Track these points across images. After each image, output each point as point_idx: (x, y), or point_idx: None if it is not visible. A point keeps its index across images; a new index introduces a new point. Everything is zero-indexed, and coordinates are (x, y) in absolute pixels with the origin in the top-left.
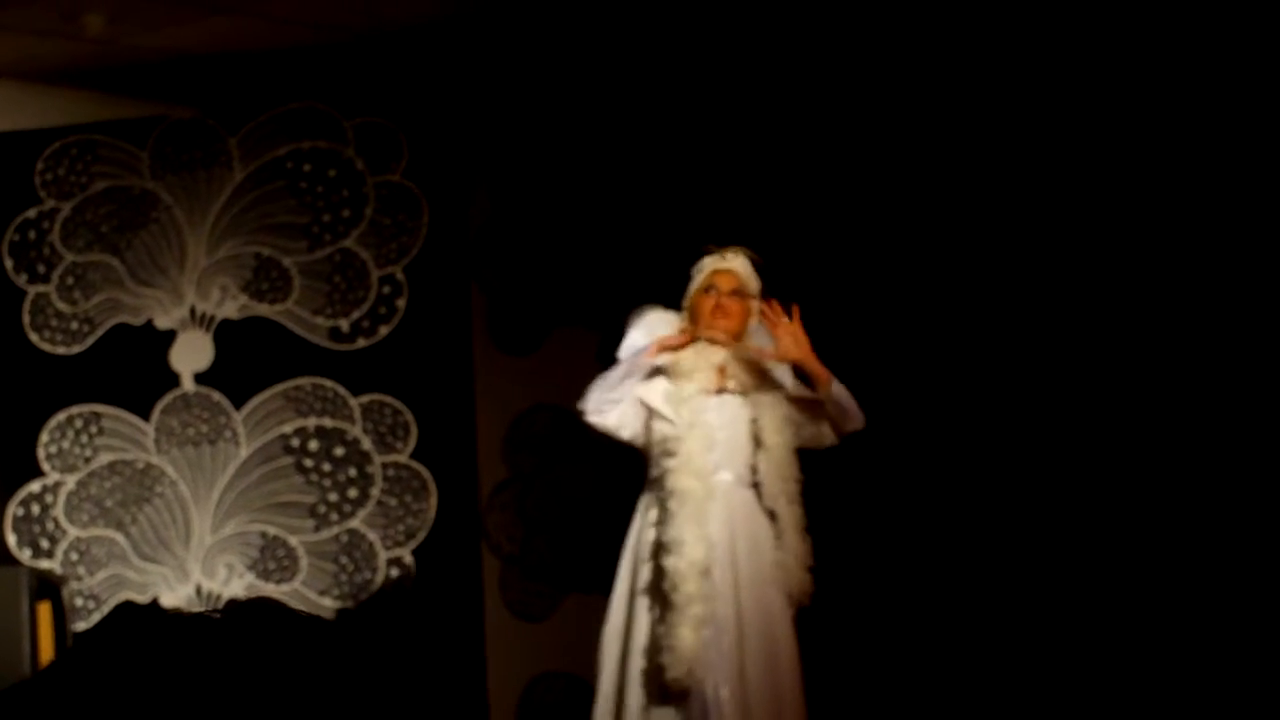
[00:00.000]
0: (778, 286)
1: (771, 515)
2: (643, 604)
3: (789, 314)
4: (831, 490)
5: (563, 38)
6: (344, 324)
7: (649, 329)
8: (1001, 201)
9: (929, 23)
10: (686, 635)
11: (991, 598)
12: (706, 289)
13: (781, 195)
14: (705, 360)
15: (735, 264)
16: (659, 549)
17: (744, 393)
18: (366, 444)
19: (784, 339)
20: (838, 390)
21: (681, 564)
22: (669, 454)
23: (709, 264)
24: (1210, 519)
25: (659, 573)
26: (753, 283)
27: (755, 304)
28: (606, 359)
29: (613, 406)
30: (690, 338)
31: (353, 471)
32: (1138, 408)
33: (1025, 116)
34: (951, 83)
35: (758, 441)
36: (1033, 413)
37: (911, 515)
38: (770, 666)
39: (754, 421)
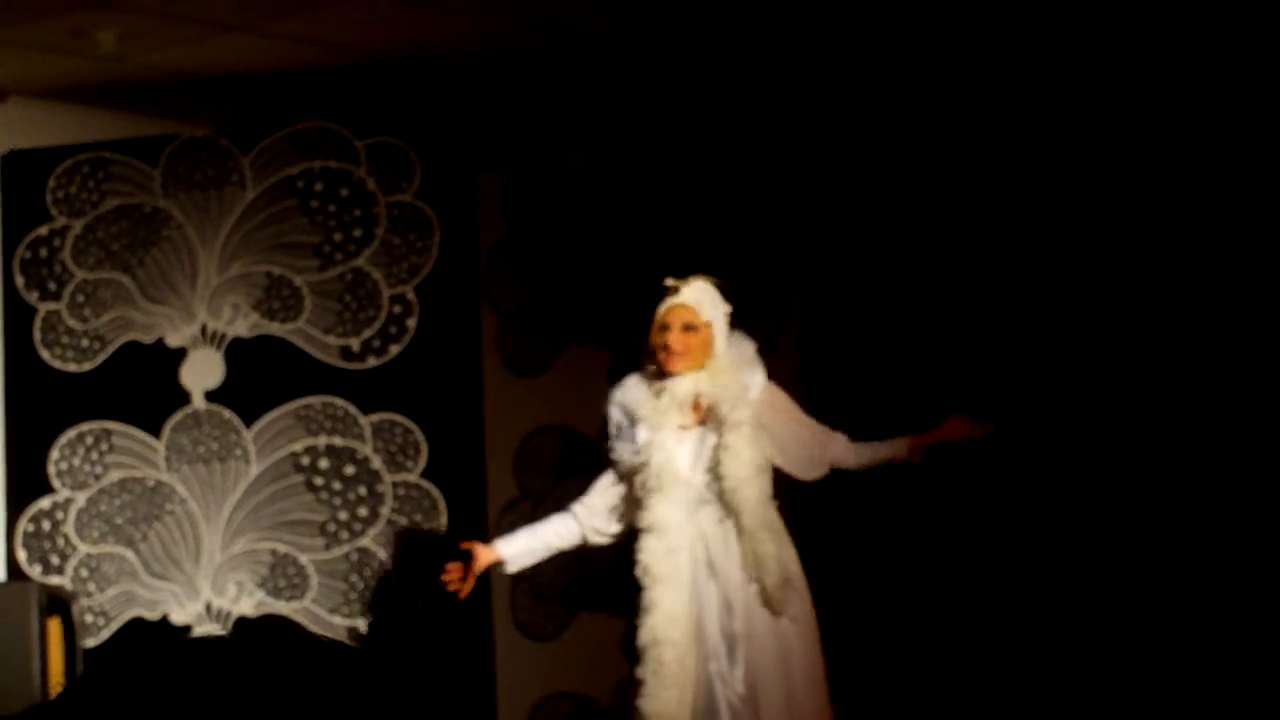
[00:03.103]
0: (782, 299)
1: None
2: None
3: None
4: (839, 494)
5: (571, 59)
6: (355, 343)
7: (621, 400)
8: (1001, 212)
9: (938, 38)
10: (666, 696)
11: (1007, 601)
12: (661, 328)
13: (788, 214)
14: (673, 399)
15: (685, 295)
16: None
17: (720, 418)
18: (376, 463)
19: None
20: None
21: (656, 631)
22: (638, 503)
23: (663, 305)
24: (1214, 520)
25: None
26: (709, 308)
27: (717, 328)
28: (616, 380)
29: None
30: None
31: (363, 490)
32: (1141, 409)
33: (1024, 126)
34: (959, 97)
35: (722, 455)
36: (1039, 415)
37: (923, 520)
38: (783, 676)
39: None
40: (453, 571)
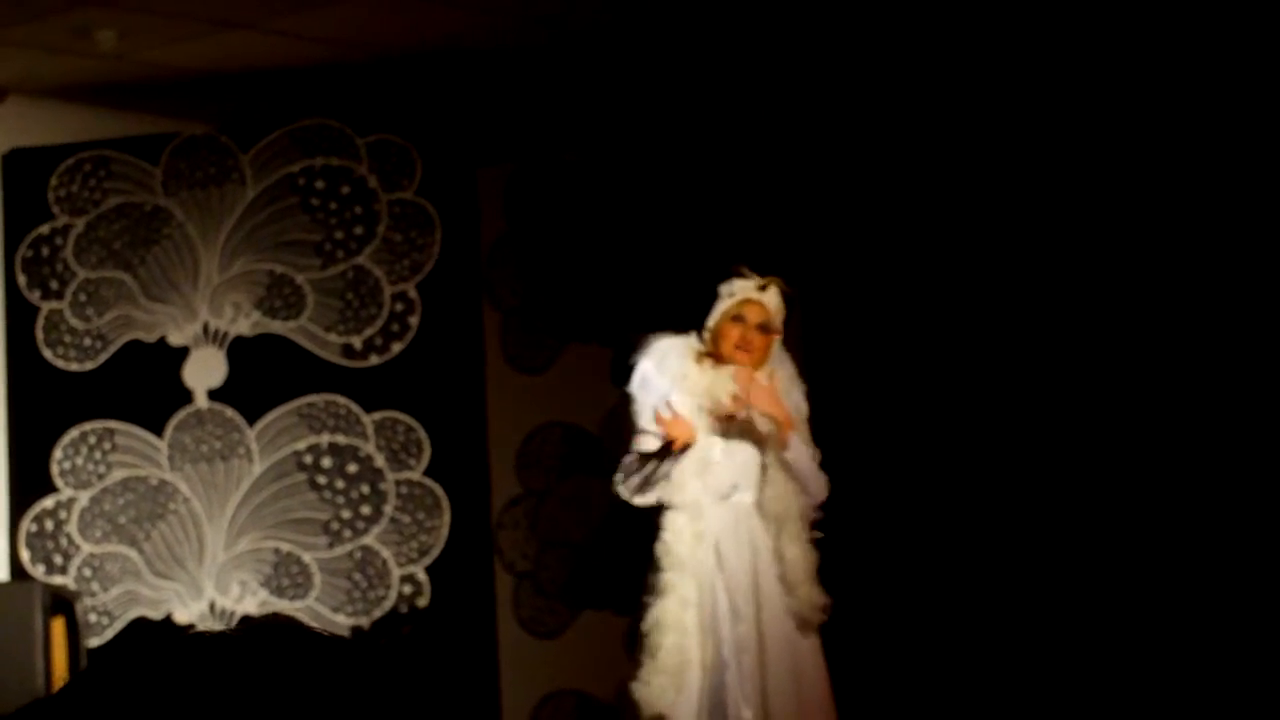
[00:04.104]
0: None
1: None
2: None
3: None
4: (845, 498)
5: (573, 54)
6: (357, 341)
7: (659, 360)
8: (1006, 202)
9: (939, 28)
10: (659, 682)
11: (1016, 605)
12: (735, 317)
13: (791, 206)
14: (720, 384)
15: (767, 297)
16: (651, 588)
17: (761, 413)
18: (379, 461)
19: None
20: (794, 455)
21: (663, 615)
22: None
23: (741, 289)
24: (1214, 521)
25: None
26: (779, 316)
27: (778, 338)
28: (619, 377)
29: (654, 495)
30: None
31: (365, 488)
32: (1143, 411)
33: (1029, 116)
34: (964, 85)
35: (765, 460)
36: (1044, 420)
37: (929, 524)
38: (795, 686)
39: (768, 439)
40: (673, 425)
